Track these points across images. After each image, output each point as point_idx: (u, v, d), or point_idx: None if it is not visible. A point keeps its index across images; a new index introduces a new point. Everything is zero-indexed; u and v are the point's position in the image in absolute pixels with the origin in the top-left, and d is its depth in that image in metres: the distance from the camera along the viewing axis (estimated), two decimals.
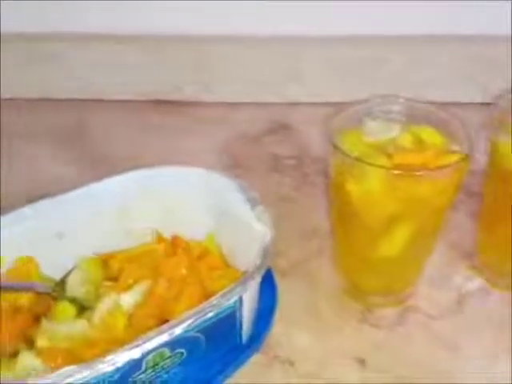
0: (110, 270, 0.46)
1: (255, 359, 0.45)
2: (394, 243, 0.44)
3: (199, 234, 0.48)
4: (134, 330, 0.40)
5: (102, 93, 0.70)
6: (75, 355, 0.39)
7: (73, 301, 0.43)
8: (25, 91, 0.70)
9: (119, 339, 0.39)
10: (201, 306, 0.37)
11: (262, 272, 0.40)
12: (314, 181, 0.61)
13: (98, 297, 0.43)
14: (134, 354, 0.35)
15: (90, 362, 0.34)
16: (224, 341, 0.42)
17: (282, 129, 0.68)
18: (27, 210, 0.45)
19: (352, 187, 0.43)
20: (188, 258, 0.46)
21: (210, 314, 0.37)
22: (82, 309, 0.43)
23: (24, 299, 0.43)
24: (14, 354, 0.40)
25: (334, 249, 0.51)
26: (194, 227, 0.48)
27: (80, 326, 0.41)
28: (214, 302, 0.37)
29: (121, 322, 0.41)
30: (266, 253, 0.41)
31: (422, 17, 0.65)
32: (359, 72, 0.68)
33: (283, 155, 0.65)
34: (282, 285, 0.48)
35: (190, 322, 0.36)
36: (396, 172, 0.41)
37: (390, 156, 0.43)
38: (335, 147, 0.42)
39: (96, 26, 0.68)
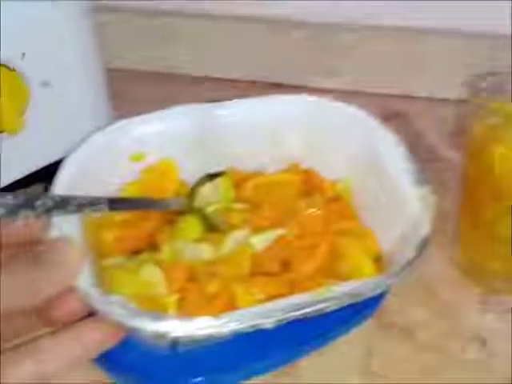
0: (242, 192, 0.45)
1: (369, 324, 0.43)
2: None
3: (336, 175, 0.46)
4: (256, 271, 0.39)
5: (219, 71, 0.68)
6: (195, 278, 0.39)
7: (201, 217, 0.43)
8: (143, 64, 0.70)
9: (241, 277, 0.39)
10: (341, 289, 0.34)
11: (414, 267, 0.36)
12: (428, 167, 0.59)
13: (226, 217, 0.42)
14: (270, 321, 0.33)
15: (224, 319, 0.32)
16: None
17: (395, 117, 0.65)
18: (174, 110, 0.44)
19: (501, 152, 0.40)
20: (323, 208, 0.43)
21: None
22: (209, 228, 0.42)
23: None
24: (136, 252, 0.40)
25: (460, 227, 0.48)
26: (333, 166, 0.45)
27: (206, 251, 0.40)
28: (357, 292, 0.35)
29: (247, 262, 0.39)
30: (422, 246, 0.36)
31: None
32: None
33: None
34: None
35: (333, 303, 0.34)
36: None
37: None
38: (485, 108, 0.40)
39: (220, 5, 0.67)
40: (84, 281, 0.32)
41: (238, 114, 0.45)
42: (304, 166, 0.47)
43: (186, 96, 0.67)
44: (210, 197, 0.44)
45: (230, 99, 0.45)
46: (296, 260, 0.39)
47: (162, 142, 0.44)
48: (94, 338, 0.32)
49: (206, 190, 0.44)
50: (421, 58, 0.65)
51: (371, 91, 0.67)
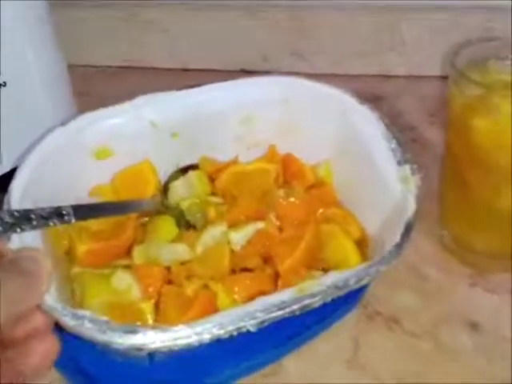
0: (217, 184, 0.42)
1: (354, 314, 0.42)
2: None
3: (315, 158, 0.44)
4: (236, 267, 0.37)
5: (188, 62, 0.66)
6: (172, 281, 0.37)
7: (176, 214, 0.40)
8: (115, 59, 0.67)
9: (221, 276, 0.36)
10: (326, 281, 0.32)
11: (400, 252, 0.34)
12: (409, 148, 0.57)
13: (202, 212, 0.40)
14: (253, 323, 0.30)
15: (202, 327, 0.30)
16: None
17: (374, 99, 0.64)
18: (139, 101, 0.41)
19: (481, 125, 0.39)
20: (303, 196, 0.41)
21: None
22: (186, 225, 0.40)
23: None
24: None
25: (444, 206, 0.46)
26: (312, 149, 0.43)
27: (181, 251, 0.37)
28: (343, 284, 0.32)
29: (226, 259, 0.37)
30: (407, 230, 0.34)
31: None
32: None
33: None
34: None
35: (319, 297, 0.32)
36: None
37: None
38: (465, 79, 0.38)
39: None
40: (50, 295, 0.30)
41: (208, 101, 0.42)
42: (282, 151, 0.44)
43: (158, 89, 0.65)
44: (185, 192, 0.42)
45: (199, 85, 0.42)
46: (278, 254, 0.37)
47: (129, 135, 0.41)
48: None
49: (180, 185, 0.42)
50: (398, 35, 0.63)
51: (347, 73, 0.66)
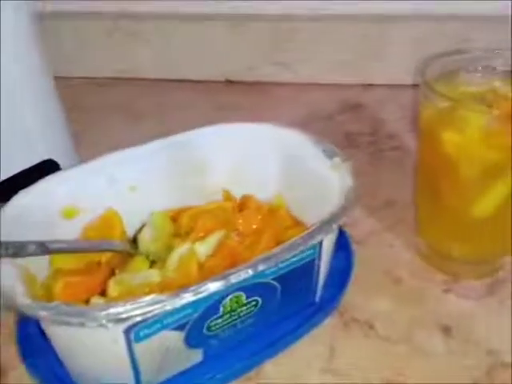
0: (179, 226, 0.44)
1: (330, 321, 0.43)
2: (490, 201, 0.41)
3: (267, 194, 0.47)
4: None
5: (177, 72, 0.69)
6: None
7: (146, 256, 0.42)
8: (102, 70, 0.70)
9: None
10: (287, 242, 0.35)
11: (347, 214, 0.38)
12: (390, 156, 0.59)
13: (168, 250, 0.42)
14: (218, 285, 0.33)
15: (172, 292, 0.32)
16: (299, 295, 0.40)
17: (356, 108, 0.66)
18: (100, 162, 0.43)
19: (450, 136, 0.40)
20: (260, 213, 0.45)
21: (297, 252, 0.36)
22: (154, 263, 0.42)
23: (103, 255, 0.42)
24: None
25: (418, 214, 0.48)
26: (262, 187, 0.46)
27: (153, 276, 0.39)
28: (300, 241, 0.35)
29: (194, 268, 0.39)
30: (349, 195, 0.39)
31: None
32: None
33: (357, 132, 0.62)
34: (357, 253, 0.46)
35: (278, 257, 0.35)
36: (503, 117, 0.38)
37: (489, 105, 0.40)
38: (433, 92, 0.40)
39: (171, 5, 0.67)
40: (23, 296, 0.32)
41: (159, 155, 0.45)
42: (237, 194, 0.47)
43: (146, 100, 0.67)
44: (151, 234, 0.44)
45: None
46: (243, 258, 0.39)
47: (94, 193, 0.43)
48: None
49: (145, 233, 0.44)
50: (380, 44, 0.65)
51: (330, 82, 0.67)
